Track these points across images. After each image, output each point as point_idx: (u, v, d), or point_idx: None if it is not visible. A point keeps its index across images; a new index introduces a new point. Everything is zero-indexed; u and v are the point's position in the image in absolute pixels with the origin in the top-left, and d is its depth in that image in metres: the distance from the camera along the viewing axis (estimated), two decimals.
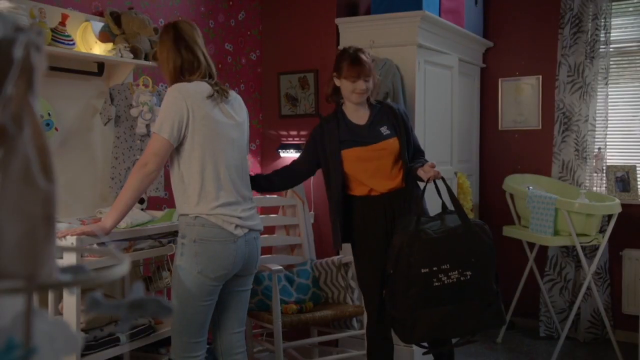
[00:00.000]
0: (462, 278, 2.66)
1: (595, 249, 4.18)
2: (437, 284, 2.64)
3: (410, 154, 2.93)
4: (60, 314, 2.45)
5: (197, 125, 2.40)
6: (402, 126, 2.91)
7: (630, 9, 4.42)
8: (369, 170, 2.86)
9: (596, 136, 4.36)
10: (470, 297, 2.68)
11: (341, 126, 2.90)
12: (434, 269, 2.64)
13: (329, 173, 2.91)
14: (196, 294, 2.43)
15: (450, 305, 2.66)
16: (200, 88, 2.45)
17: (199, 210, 2.41)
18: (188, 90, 2.41)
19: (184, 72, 2.46)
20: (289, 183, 3.14)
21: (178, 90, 2.41)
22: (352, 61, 2.82)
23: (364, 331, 3.40)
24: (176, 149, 2.42)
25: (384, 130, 2.89)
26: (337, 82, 2.90)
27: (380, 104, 2.99)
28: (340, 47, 2.89)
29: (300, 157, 3.07)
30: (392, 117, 2.92)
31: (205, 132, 2.41)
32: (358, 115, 2.93)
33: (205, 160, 2.41)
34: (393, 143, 2.87)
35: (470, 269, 2.67)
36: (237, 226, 2.45)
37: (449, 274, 2.65)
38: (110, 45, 2.91)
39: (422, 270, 2.64)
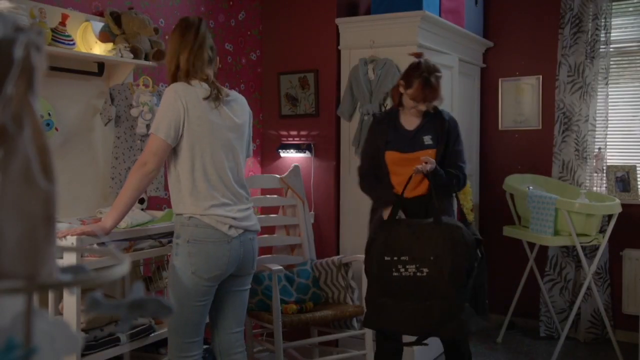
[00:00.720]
0: (418, 273, 2.72)
1: (595, 249, 4.19)
2: (395, 274, 2.75)
3: (446, 167, 2.92)
4: (61, 314, 2.45)
5: (192, 125, 2.41)
6: (445, 138, 2.93)
7: (631, 9, 4.42)
8: (402, 176, 2.91)
9: (596, 136, 4.36)
10: (427, 297, 2.70)
11: (390, 127, 2.98)
12: (394, 258, 2.75)
13: (379, 167, 2.99)
14: (191, 293, 2.43)
15: (410, 302, 2.72)
16: (198, 89, 2.45)
17: (193, 211, 2.42)
18: (185, 90, 2.42)
19: (188, 73, 2.46)
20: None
21: (175, 90, 2.42)
22: (424, 83, 2.85)
23: (364, 331, 3.41)
24: (173, 149, 2.43)
25: (427, 139, 2.93)
26: (402, 90, 2.95)
27: (435, 111, 2.99)
28: (413, 62, 2.92)
29: (368, 162, 3.06)
30: (438, 128, 2.94)
31: (199, 133, 2.42)
32: (410, 119, 2.99)
33: (196, 161, 2.43)
34: (431, 154, 2.91)
35: (427, 267, 2.71)
36: (230, 227, 2.45)
37: (407, 266, 2.74)
38: (110, 45, 2.91)
39: (386, 258, 2.77)
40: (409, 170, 2.89)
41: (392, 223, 2.82)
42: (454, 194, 3.02)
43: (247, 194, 2.60)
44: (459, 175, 2.92)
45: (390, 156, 2.95)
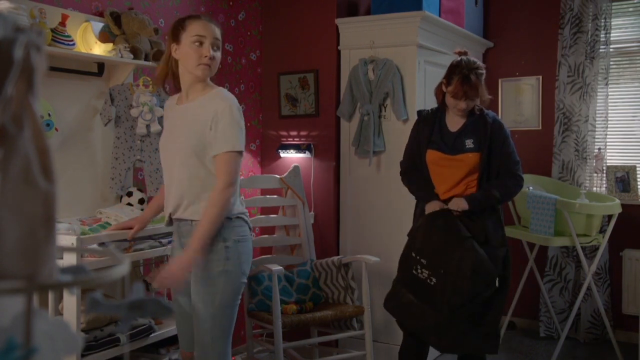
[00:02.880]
0: (428, 280, 2.81)
1: (595, 249, 4.18)
2: (414, 272, 2.87)
3: (494, 171, 2.93)
4: (61, 314, 2.45)
5: None
6: (487, 141, 2.92)
7: (631, 9, 4.42)
8: (441, 176, 2.95)
9: (596, 136, 4.36)
10: (429, 302, 2.79)
11: (435, 126, 3.00)
12: (417, 257, 2.86)
13: (420, 164, 3.03)
14: (239, 296, 2.43)
15: (416, 299, 2.83)
16: None
17: (240, 209, 2.43)
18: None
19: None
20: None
21: (234, 98, 2.43)
22: (463, 80, 2.85)
23: (363, 331, 3.41)
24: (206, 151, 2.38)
25: (469, 143, 2.93)
26: (444, 88, 2.97)
27: (480, 114, 2.99)
28: (455, 60, 2.94)
29: (410, 158, 3.10)
30: (482, 131, 2.93)
31: None
32: (454, 120, 3.00)
33: None
34: (472, 157, 2.91)
35: (436, 277, 2.79)
36: None
37: (422, 269, 2.83)
38: (110, 46, 2.91)
39: (412, 254, 2.88)
40: (447, 171, 2.94)
41: (430, 221, 2.88)
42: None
43: None
44: (497, 195, 2.87)
45: (431, 155, 2.98)
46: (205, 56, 2.34)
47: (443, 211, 2.88)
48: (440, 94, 3.03)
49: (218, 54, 2.41)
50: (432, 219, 2.89)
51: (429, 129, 3.01)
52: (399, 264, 3.00)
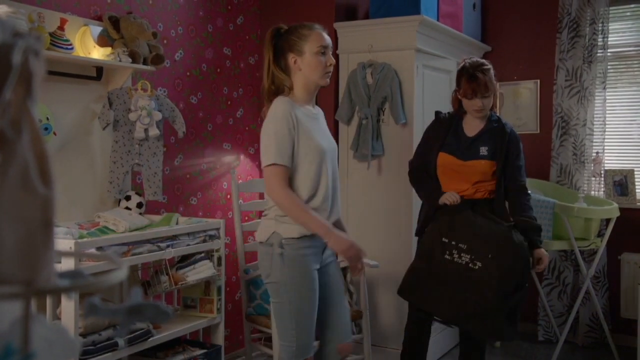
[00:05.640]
0: (470, 264, 2.79)
1: (593, 253, 4.19)
2: (447, 257, 2.83)
3: (505, 180, 3.00)
4: (59, 318, 2.45)
5: None
6: (504, 152, 2.97)
7: (628, 14, 4.43)
8: (450, 180, 2.98)
9: (594, 140, 4.37)
10: (467, 289, 2.77)
11: (451, 130, 3.03)
12: (452, 242, 2.83)
13: (429, 165, 3.05)
14: None
15: (449, 287, 2.81)
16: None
17: None
18: None
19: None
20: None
21: None
22: (469, 78, 2.93)
23: (362, 335, 3.41)
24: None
25: (483, 150, 2.96)
26: (458, 95, 3.03)
27: (497, 122, 3.04)
28: (463, 62, 3.04)
29: (419, 158, 3.14)
30: (498, 140, 2.97)
31: None
32: (471, 125, 3.03)
33: None
34: (485, 165, 2.95)
35: (481, 262, 2.76)
36: None
37: (462, 254, 2.81)
38: (108, 50, 2.91)
39: (443, 239, 2.85)
40: (457, 176, 2.97)
41: (456, 209, 2.89)
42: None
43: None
44: (536, 222, 2.96)
45: (443, 158, 3.00)
46: (330, 64, 2.44)
47: (466, 201, 2.93)
48: (455, 101, 3.08)
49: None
50: (463, 206, 2.90)
51: (444, 131, 3.04)
52: (420, 254, 2.98)
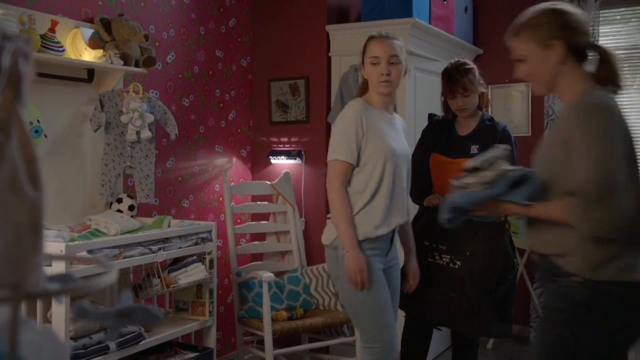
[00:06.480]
0: (450, 264, 2.81)
1: None
2: (430, 260, 2.86)
3: None
4: (49, 322, 2.44)
5: None
6: None
7: (618, 17, 4.46)
8: (442, 178, 2.97)
9: None
10: (452, 289, 2.78)
11: (443, 132, 3.07)
12: (433, 245, 2.87)
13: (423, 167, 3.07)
14: None
15: (434, 290, 2.82)
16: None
17: None
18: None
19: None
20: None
21: None
22: (447, 79, 2.98)
23: (354, 338, 3.40)
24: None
25: (474, 148, 2.96)
26: (442, 96, 3.07)
27: (490, 121, 3.06)
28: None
29: (413, 161, 3.11)
30: (490, 138, 2.97)
31: None
32: (464, 125, 3.06)
33: None
34: None
35: (460, 260, 2.78)
36: None
37: (442, 255, 2.84)
38: (100, 52, 2.90)
39: (425, 243, 2.89)
40: (448, 175, 2.95)
41: (434, 210, 2.87)
42: None
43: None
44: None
45: (434, 158, 3.03)
46: (382, 74, 2.55)
47: None
48: (444, 105, 3.12)
49: (396, 68, 2.57)
50: (435, 207, 2.90)
51: (437, 133, 3.07)
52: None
